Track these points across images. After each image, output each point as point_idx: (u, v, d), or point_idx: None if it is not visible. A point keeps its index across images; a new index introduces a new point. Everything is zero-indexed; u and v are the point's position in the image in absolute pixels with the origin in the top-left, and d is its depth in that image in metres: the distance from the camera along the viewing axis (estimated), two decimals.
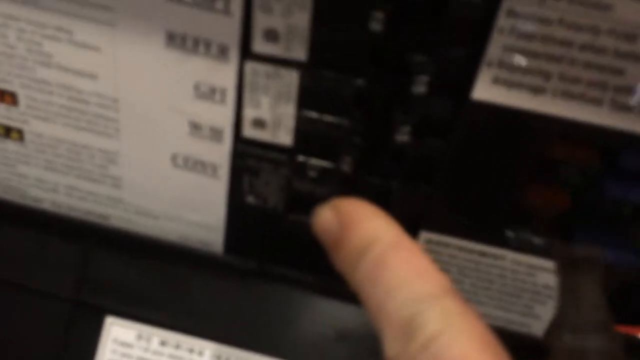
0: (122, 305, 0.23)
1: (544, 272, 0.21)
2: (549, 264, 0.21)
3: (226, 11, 0.17)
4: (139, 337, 0.23)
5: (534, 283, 0.21)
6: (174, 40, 0.18)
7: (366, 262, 0.14)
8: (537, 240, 0.20)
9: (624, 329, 0.22)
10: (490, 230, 0.20)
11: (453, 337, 0.13)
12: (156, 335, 0.23)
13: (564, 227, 0.20)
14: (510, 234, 0.20)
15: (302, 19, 0.17)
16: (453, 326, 0.13)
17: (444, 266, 0.21)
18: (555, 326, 0.14)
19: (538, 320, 0.22)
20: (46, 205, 0.23)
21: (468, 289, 0.22)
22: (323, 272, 0.20)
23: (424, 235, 0.21)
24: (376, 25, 0.16)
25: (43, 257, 0.23)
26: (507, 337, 0.18)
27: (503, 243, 0.20)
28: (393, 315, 0.14)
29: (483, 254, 0.21)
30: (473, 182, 0.19)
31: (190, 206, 0.22)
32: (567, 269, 0.15)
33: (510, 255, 0.20)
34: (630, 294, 0.21)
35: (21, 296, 0.23)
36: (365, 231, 0.15)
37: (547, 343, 0.14)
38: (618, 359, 0.13)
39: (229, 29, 0.17)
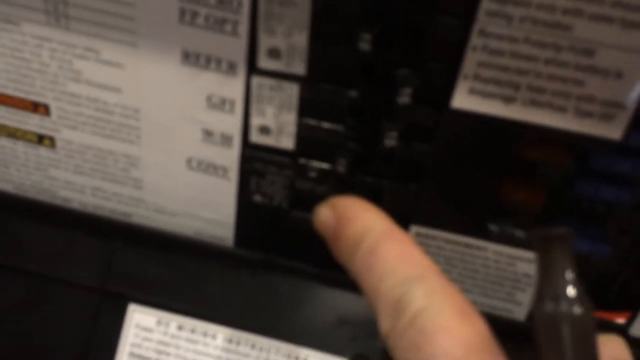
0: (144, 294, 0.24)
1: (523, 262, 0.23)
2: (528, 254, 0.22)
3: (234, 33, 0.19)
4: (159, 322, 0.25)
5: (515, 272, 0.23)
6: (189, 57, 0.20)
7: (361, 252, 0.16)
8: (518, 233, 0.22)
9: (601, 315, 0.24)
10: (474, 224, 0.22)
11: (435, 312, 0.14)
12: (174, 320, 0.24)
13: (544, 221, 0.22)
14: (493, 227, 0.22)
15: (301, 40, 0.19)
16: (435, 302, 0.14)
17: (433, 257, 0.23)
18: (535, 297, 0.16)
19: (519, 306, 0.24)
20: (74, 205, 0.25)
21: (455, 277, 0.24)
22: (325, 263, 0.22)
23: (414, 229, 0.23)
24: (365, 45, 0.18)
25: (72, 252, 0.25)
26: (492, 322, 0.20)
27: (485, 236, 0.22)
28: (385, 297, 0.15)
29: (468, 246, 0.23)
30: (457, 180, 0.21)
31: (204, 204, 0.24)
32: (542, 246, 0.17)
33: (492, 246, 0.22)
34: (607, 283, 0.23)
35: (53, 287, 0.25)
36: (358, 224, 0.16)
37: (531, 315, 0.16)
38: (589, 324, 0.15)
39: (237, 48, 0.19)
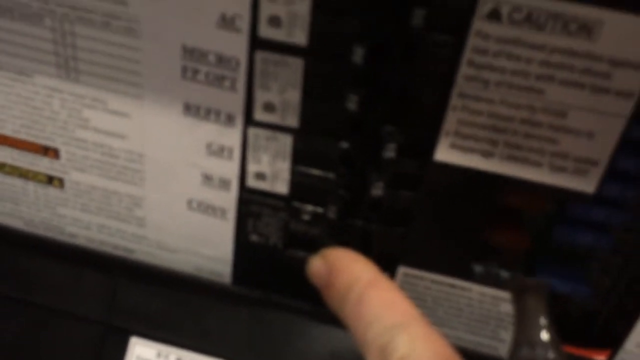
0: (145, 327, 0.25)
1: (506, 303, 0.24)
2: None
3: (232, 88, 0.21)
4: (159, 354, 0.26)
5: (498, 312, 0.24)
6: (190, 109, 0.21)
7: (350, 301, 0.17)
8: (503, 274, 0.23)
9: (583, 353, 0.25)
10: (458, 266, 0.23)
11: (418, 358, 0.15)
12: (173, 353, 0.25)
13: (527, 263, 0.23)
14: (478, 268, 0.23)
15: (293, 96, 0.20)
16: (418, 348, 0.16)
17: (420, 296, 0.24)
18: (513, 343, 0.17)
19: (503, 343, 0.25)
20: (81, 241, 0.26)
21: (442, 315, 0.25)
22: (318, 300, 0.23)
23: (402, 270, 0.24)
24: (352, 104, 0.19)
25: (77, 286, 0.26)
26: (477, 359, 0.21)
27: (469, 277, 0.23)
28: (372, 344, 0.16)
29: (453, 286, 0.24)
30: (442, 225, 0.22)
31: (203, 243, 0.25)
32: (519, 296, 0.18)
33: (476, 287, 0.23)
34: (589, 321, 0.24)
35: (59, 319, 0.26)
36: (347, 275, 0.18)
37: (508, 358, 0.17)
38: None
39: (235, 102, 0.21)
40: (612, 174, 0.19)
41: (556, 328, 0.17)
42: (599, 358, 0.24)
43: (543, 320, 0.17)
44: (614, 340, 0.24)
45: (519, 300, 0.18)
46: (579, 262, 0.23)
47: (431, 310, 0.24)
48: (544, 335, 0.17)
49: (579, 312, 0.24)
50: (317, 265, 0.19)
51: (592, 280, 0.23)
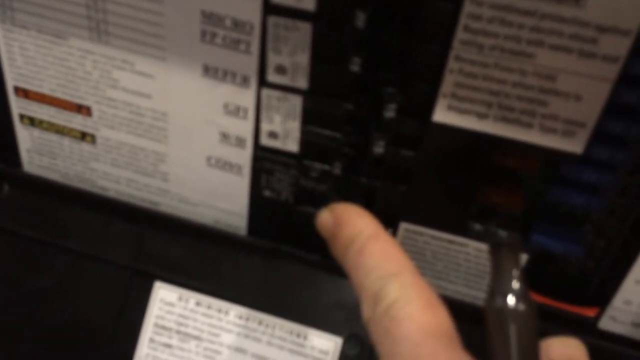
0: (168, 273, 0.27)
1: None
2: None
3: (247, 51, 0.22)
4: (180, 298, 0.28)
5: None
6: (209, 71, 0.23)
7: (351, 252, 0.19)
8: (501, 233, 0.25)
9: (574, 309, 0.26)
10: (456, 222, 0.24)
11: (405, 303, 0.17)
12: (193, 297, 0.28)
13: (523, 223, 0.24)
14: (477, 227, 0.24)
15: (303, 59, 0.22)
16: (406, 295, 0.17)
17: (420, 250, 0.26)
18: (487, 293, 0.19)
19: None
20: (111, 194, 0.29)
21: (441, 270, 0.26)
22: (326, 252, 0.25)
23: (404, 225, 0.25)
24: (355, 67, 0.21)
25: (108, 234, 0.28)
26: (473, 310, 0.22)
27: (466, 233, 0.25)
28: (367, 289, 0.18)
29: (451, 242, 0.25)
30: (441, 183, 0.24)
31: (221, 197, 0.27)
32: (495, 250, 0.20)
33: (472, 243, 0.25)
34: (580, 280, 0.25)
35: (91, 264, 0.28)
36: (351, 228, 0.19)
37: (484, 307, 0.19)
38: (532, 317, 0.17)
39: (249, 64, 0.22)
40: (599, 136, 0.20)
41: (528, 281, 0.19)
42: (589, 314, 0.25)
43: (515, 272, 0.18)
44: (603, 298, 0.25)
45: (494, 255, 0.20)
46: (575, 223, 0.24)
47: (431, 265, 0.26)
48: (515, 283, 0.18)
49: (574, 272, 0.25)
50: (325, 217, 0.20)
51: (587, 242, 0.24)
